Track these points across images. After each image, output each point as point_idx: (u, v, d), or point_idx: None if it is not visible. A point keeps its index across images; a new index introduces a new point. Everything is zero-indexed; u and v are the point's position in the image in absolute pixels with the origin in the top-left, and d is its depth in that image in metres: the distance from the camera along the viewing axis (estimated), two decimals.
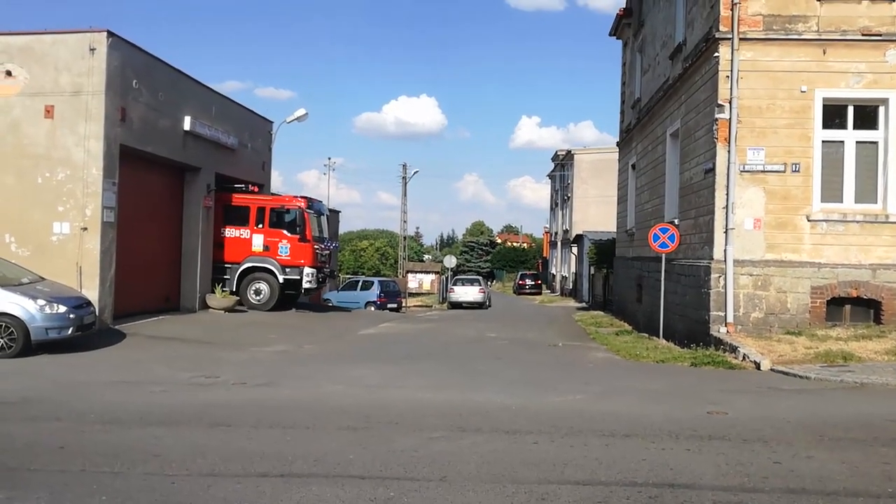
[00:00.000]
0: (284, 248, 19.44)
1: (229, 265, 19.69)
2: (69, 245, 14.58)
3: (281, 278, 19.40)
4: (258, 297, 19.57)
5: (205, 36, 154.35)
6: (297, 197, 20.23)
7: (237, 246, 19.76)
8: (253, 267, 19.59)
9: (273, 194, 22.22)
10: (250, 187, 21.28)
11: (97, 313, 13.75)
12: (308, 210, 19.79)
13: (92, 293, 14.22)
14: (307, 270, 19.41)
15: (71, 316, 12.20)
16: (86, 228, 14.59)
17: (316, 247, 19.82)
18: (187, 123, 17.87)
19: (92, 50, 14.60)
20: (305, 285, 19.51)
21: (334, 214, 27.36)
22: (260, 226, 19.70)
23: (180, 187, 19.06)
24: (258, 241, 19.63)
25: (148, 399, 8.47)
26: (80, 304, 12.72)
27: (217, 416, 7.45)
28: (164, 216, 18.37)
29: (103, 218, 14.70)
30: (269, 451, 6.07)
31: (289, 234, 19.49)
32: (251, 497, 4.93)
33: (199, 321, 17.33)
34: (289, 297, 20.59)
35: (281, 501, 4.85)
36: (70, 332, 12.18)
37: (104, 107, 14.61)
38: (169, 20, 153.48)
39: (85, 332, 12.67)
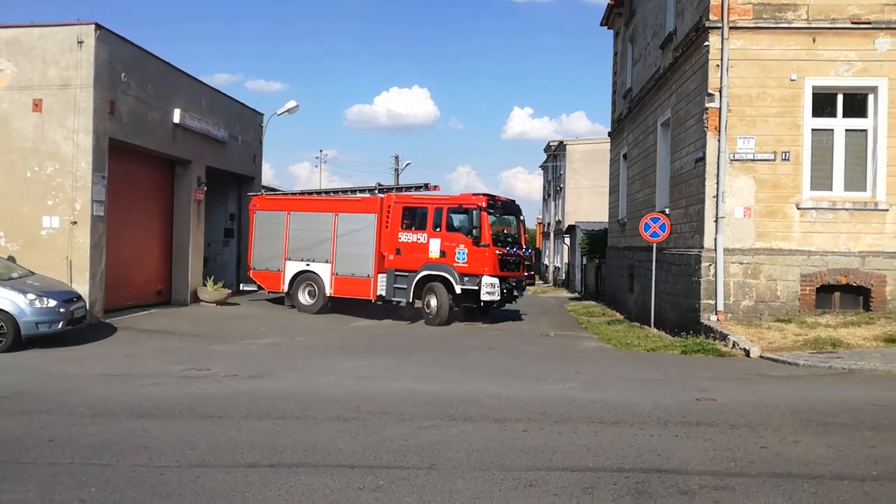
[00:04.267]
0: (461, 254, 16.73)
1: (406, 273, 17.30)
2: (59, 239, 14.55)
3: (458, 288, 16.67)
4: (429, 310, 17.04)
5: (194, 29, 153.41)
6: (477, 195, 17.31)
7: (414, 252, 17.28)
8: (430, 275, 17.07)
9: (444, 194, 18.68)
10: (430, 186, 18.38)
11: (87, 307, 13.73)
12: (488, 210, 16.88)
13: (82, 287, 14.20)
14: (486, 280, 16.49)
15: (61, 310, 12.17)
16: (75, 222, 14.54)
17: (499, 252, 16.89)
18: (177, 116, 17.80)
19: (80, 43, 14.52)
20: (484, 297, 16.55)
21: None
22: (437, 229, 17.08)
23: (171, 180, 19.00)
24: (435, 247, 17.06)
25: (138, 392, 8.47)
26: (71, 299, 12.68)
27: (207, 408, 7.46)
28: (154, 210, 18.32)
29: (93, 212, 14.65)
30: (258, 441, 6.09)
31: (466, 238, 16.78)
32: (240, 487, 4.95)
33: (191, 314, 17.30)
34: (472, 307, 17.61)
35: (269, 491, 4.87)
36: (60, 326, 12.15)
37: (93, 100, 14.55)
38: (157, 13, 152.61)
39: (75, 326, 12.64)
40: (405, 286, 17.29)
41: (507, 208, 18.21)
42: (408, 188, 18.75)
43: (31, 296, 11.89)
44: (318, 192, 20.48)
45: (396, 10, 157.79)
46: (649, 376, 9.77)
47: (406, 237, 17.47)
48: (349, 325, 16.85)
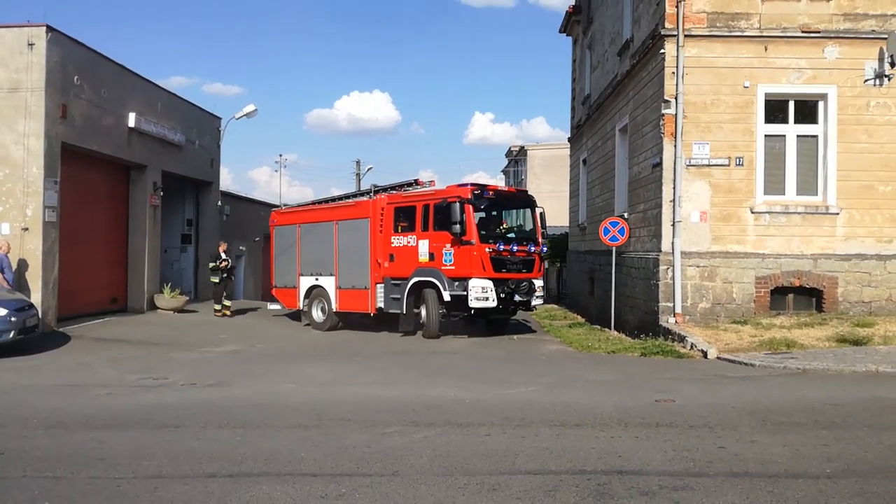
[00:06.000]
0: (448, 255, 14.56)
1: (398, 281, 15.42)
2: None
3: (446, 295, 14.47)
4: (420, 321, 15.21)
5: (149, 31, 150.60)
6: (464, 185, 15.01)
7: (407, 257, 15.32)
8: (420, 282, 15.02)
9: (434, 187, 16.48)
10: (418, 182, 16.40)
11: (40, 316, 13.37)
12: (472, 202, 14.53)
13: (34, 295, 13.86)
14: (474, 283, 14.15)
15: (12, 319, 11.83)
16: (27, 229, 14.19)
17: (490, 249, 14.45)
18: (132, 120, 17.49)
19: (30, 45, 14.19)
20: (473, 303, 14.17)
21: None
22: (426, 229, 15.01)
23: (126, 186, 18.65)
24: (424, 249, 14.97)
25: (93, 402, 8.28)
26: (22, 307, 12.33)
27: (165, 418, 7.31)
28: (109, 215, 17.96)
29: (45, 218, 14.30)
30: (218, 451, 5.99)
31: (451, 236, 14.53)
32: (199, 498, 4.86)
33: (148, 322, 16.97)
34: (495, 317, 15.71)
35: (229, 501, 4.79)
36: (11, 335, 11.81)
37: (44, 104, 14.22)
38: (110, 15, 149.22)
39: (27, 335, 12.29)
40: (399, 296, 15.40)
41: (506, 199, 16.26)
42: (400, 186, 16.77)
43: None
44: (326, 201, 19.01)
45: (352, 15, 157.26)
46: (610, 378, 9.87)
47: (398, 241, 15.67)
48: (311, 332, 16.68)
